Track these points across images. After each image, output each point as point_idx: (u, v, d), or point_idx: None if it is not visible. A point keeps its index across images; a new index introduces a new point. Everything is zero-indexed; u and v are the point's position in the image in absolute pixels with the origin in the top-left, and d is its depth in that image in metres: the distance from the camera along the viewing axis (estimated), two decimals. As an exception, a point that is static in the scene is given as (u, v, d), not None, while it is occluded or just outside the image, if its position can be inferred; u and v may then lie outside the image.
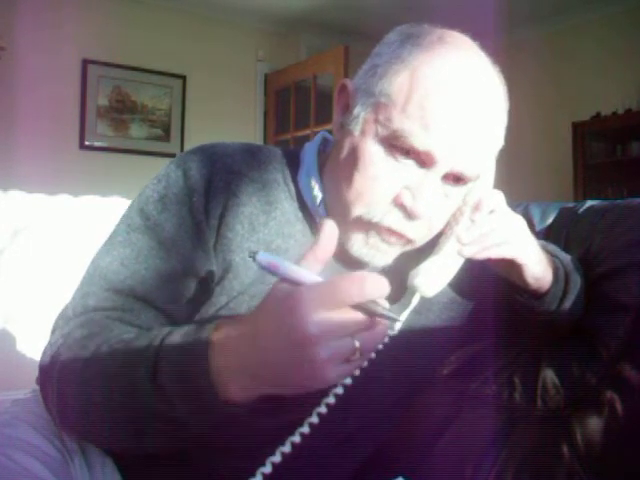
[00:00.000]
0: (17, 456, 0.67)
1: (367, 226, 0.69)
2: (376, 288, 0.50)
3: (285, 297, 0.50)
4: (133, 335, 0.65)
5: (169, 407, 0.58)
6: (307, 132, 3.92)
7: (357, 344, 0.50)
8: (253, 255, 0.53)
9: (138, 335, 0.65)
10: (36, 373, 0.75)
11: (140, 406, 0.59)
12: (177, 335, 0.60)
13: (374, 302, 0.50)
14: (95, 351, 0.64)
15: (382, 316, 0.51)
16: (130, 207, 0.76)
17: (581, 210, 0.99)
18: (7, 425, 0.74)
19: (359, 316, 0.50)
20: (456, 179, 0.68)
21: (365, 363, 0.59)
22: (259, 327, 0.52)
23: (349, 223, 0.70)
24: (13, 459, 0.67)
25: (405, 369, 0.81)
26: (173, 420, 0.58)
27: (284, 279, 0.52)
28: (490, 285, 0.81)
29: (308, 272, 0.52)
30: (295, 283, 0.51)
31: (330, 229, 0.53)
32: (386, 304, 0.51)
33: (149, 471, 0.72)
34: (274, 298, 0.52)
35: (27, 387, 0.86)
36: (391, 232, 0.68)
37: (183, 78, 3.95)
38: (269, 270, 0.53)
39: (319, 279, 0.52)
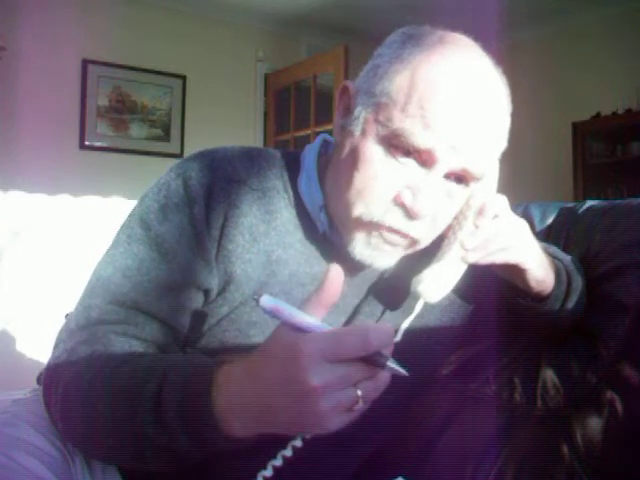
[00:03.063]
0: (18, 456, 0.67)
1: (368, 226, 0.68)
2: (380, 340, 0.50)
3: (288, 345, 0.50)
4: (136, 360, 0.65)
5: (170, 439, 0.58)
6: (307, 132, 3.91)
7: (359, 393, 0.50)
8: (257, 299, 0.53)
9: (141, 363, 0.65)
10: (36, 373, 0.75)
11: (141, 435, 0.60)
12: (180, 370, 0.60)
13: (378, 353, 0.50)
14: (98, 375, 0.64)
15: (386, 369, 0.51)
16: (130, 216, 0.76)
17: (581, 210, 0.99)
18: (8, 425, 0.74)
19: (362, 367, 0.50)
20: (459, 178, 0.68)
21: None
22: (262, 373, 0.53)
23: (351, 224, 0.69)
24: (14, 459, 0.67)
25: (405, 370, 0.80)
26: (174, 452, 0.59)
27: (287, 324, 0.52)
28: (491, 287, 0.81)
29: (312, 318, 0.52)
30: (299, 329, 0.51)
31: (336, 274, 0.53)
32: (391, 350, 0.51)
33: (150, 474, 0.72)
34: (277, 344, 0.52)
35: (27, 387, 0.86)
36: (392, 231, 0.67)
37: (183, 78, 3.94)
38: (272, 315, 0.52)
39: (323, 327, 0.51)
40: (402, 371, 0.52)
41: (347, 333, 0.49)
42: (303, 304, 0.53)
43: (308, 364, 0.48)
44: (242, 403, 0.54)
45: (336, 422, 0.51)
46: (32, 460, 0.68)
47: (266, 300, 0.52)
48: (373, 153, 0.66)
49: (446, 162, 0.65)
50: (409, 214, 0.66)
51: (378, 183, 0.66)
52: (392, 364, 0.51)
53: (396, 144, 0.65)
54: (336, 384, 0.49)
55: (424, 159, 0.65)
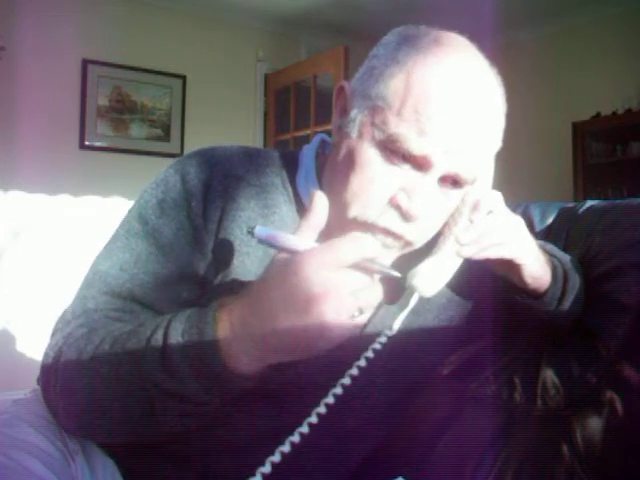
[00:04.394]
0: (18, 456, 0.67)
1: (362, 228, 0.69)
2: (371, 246, 0.53)
3: (287, 264, 0.53)
4: (137, 324, 0.66)
5: (179, 384, 0.59)
6: (307, 132, 3.92)
7: (358, 302, 0.53)
8: (251, 230, 0.56)
9: (142, 322, 0.66)
10: (36, 373, 0.75)
11: (148, 388, 0.60)
12: (183, 315, 0.61)
13: (371, 261, 0.54)
14: (99, 343, 0.65)
15: (380, 272, 0.55)
16: (129, 211, 0.77)
17: (581, 210, 0.99)
18: (8, 425, 0.74)
19: (358, 274, 0.53)
20: (453, 182, 0.68)
21: (364, 362, 0.59)
22: (263, 296, 0.55)
23: (346, 225, 0.70)
24: (14, 459, 0.67)
25: (404, 369, 0.81)
26: (182, 397, 0.59)
27: (283, 249, 0.55)
28: (488, 285, 0.81)
29: (305, 239, 0.55)
30: (294, 252, 0.54)
31: (321, 199, 0.56)
32: (381, 259, 0.55)
33: (150, 471, 0.73)
34: (275, 267, 0.55)
35: (27, 387, 0.86)
36: (387, 233, 0.68)
37: (183, 78, 3.94)
38: (267, 242, 0.56)
39: (316, 245, 0.55)
40: (395, 273, 0.56)
41: (339, 241, 0.53)
42: (294, 233, 0.56)
43: (307, 274, 0.51)
44: (246, 333, 0.55)
45: (338, 331, 0.53)
46: (32, 460, 0.68)
47: (260, 230, 0.56)
48: (370, 156, 0.67)
49: (441, 166, 0.66)
50: (404, 216, 0.67)
51: (374, 186, 0.67)
52: (385, 268, 0.55)
53: (392, 148, 0.66)
54: (337, 290, 0.52)
55: (420, 163, 0.66)
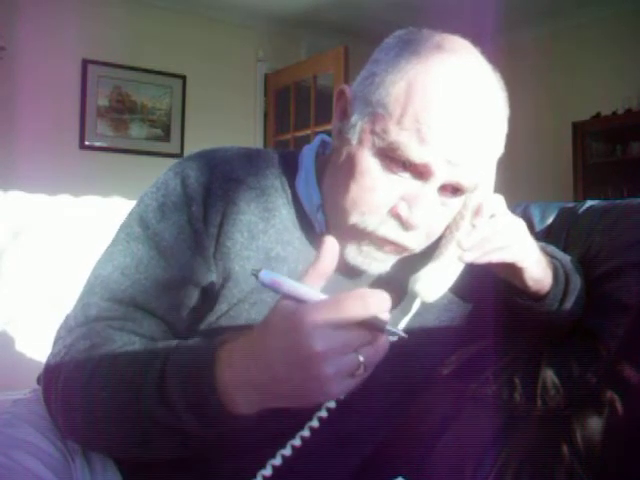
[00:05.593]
0: (18, 456, 0.67)
1: (361, 235, 0.69)
2: (378, 304, 0.51)
3: (290, 315, 0.51)
4: (137, 348, 0.66)
5: (176, 421, 0.59)
6: (307, 132, 3.91)
7: (361, 359, 0.51)
8: (256, 273, 0.54)
9: (142, 349, 0.65)
10: (36, 373, 0.75)
11: (146, 419, 0.60)
12: (183, 351, 0.61)
13: (376, 317, 0.51)
14: (99, 364, 0.65)
15: (385, 332, 0.52)
16: (129, 215, 0.76)
17: (581, 210, 0.99)
18: (8, 425, 0.74)
19: (362, 332, 0.51)
20: (454, 190, 0.68)
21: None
22: (265, 344, 0.53)
23: (345, 231, 0.70)
24: (14, 459, 0.67)
25: (405, 370, 0.81)
26: (179, 432, 0.59)
27: (287, 296, 0.53)
28: (490, 286, 0.81)
29: (311, 289, 0.53)
30: (298, 300, 0.52)
31: (331, 245, 0.54)
32: (387, 316, 0.52)
33: (150, 472, 0.73)
34: (278, 315, 0.53)
35: (27, 387, 0.86)
36: (385, 241, 0.68)
37: (183, 78, 3.94)
38: (272, 288, 0.54)
39: (322, 296, 0.52)
40: (401, 333, 0.53)
41: (346, 298, 0.50)
42: (300, 277, 0.54)
43: (311, 330, 0.49)
44: (245, 377, 0.54)
45: (339, 388, 0.51)
46: (32, 460, 0.68)
47: (265, 274, 0.54)
48: (370, 165, 0.67)
49: (442, 175, 0.66)
50: (404, 225, 0.67)
51: (375, 195, 0.67)
52: (390, 327, 0.52)
53: (392, 157, 0.65)
54: (338, 349, 0.50)
55: (420, 172, 0.66)
